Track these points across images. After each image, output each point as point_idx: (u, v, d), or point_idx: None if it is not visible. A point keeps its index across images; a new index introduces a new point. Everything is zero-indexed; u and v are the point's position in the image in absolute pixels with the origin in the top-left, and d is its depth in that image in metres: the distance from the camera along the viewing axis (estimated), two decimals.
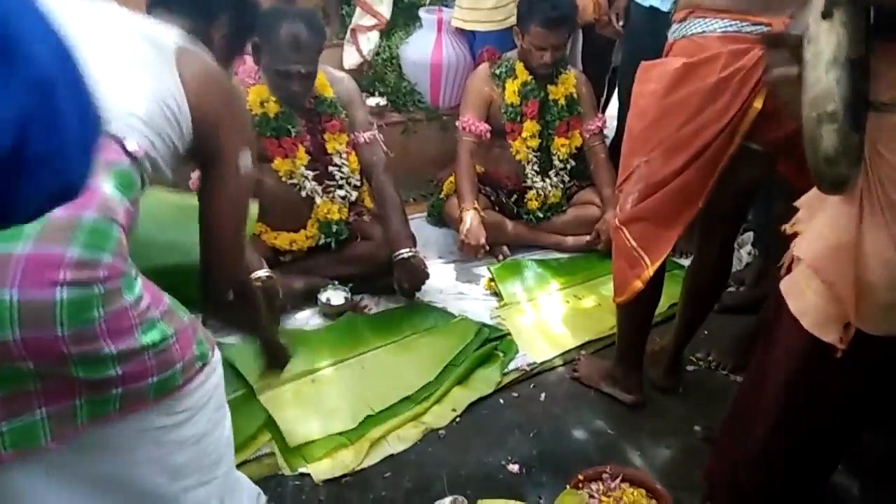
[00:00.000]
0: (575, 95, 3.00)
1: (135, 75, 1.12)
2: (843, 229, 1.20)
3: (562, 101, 2.97)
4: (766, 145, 1.74)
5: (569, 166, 3.06)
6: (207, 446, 1.23)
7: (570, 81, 2.99)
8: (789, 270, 1.36)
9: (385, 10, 3.53)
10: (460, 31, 3.45)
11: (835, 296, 1.22)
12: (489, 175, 3.08)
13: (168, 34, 1.20)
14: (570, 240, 3.06)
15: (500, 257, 2.99)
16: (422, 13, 3.53)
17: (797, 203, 1.37)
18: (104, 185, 1.03)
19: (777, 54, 1.45)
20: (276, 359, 2.00)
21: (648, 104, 1.81)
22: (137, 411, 1.09)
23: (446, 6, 3.60)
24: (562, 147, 3.00)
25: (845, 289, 1.20)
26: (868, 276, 1.18)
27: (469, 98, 2.99)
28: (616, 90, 3.42)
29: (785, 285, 1.35)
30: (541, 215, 3.04)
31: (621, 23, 3.14)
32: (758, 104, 1.64)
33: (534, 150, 2.98)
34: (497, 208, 3.04)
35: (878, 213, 1.17)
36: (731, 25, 1.66)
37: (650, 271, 1.89)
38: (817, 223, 1.27)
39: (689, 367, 2.40)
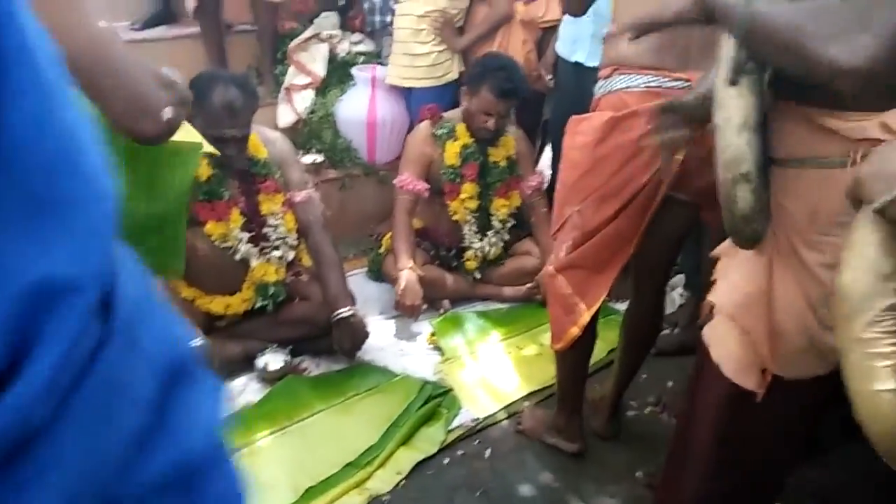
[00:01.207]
0: (515, 157, 3.03)
1: None
2: (755, 279, 1.25)
3: (502, 164, 2.99)
4: (690, 195, 1.80)
5: (508, 225, 3.08)
6: None
7: (511, 143, 3.01)
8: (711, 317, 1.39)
9: (319, 68, 3.56)
10: (396, 87, 3.48)
11: (751, 343, 1.26)
12: (428, 231, 3.08)
13: None
14: (508, 290, 3.07)
15: (442, 311, 2.97)
16: (354, 71, 3.55)
17: (714, 252, 1.41)
18: None
19: (666, 118, 1.53)
20: None
21: (579, 156, 1.85)
22: None
23: (381, 64, 3.64)
24: (502, 208, 3.03)
25: (760, 336, 1.24)
26: (781, 325, 1.21)
27: (408, 157, 2.96)
28: (548, 142, 3.50)
29: (707, 332, 1.38)
30: (478, 276, 3.05)
31: (550, 76, 3.23)
32: (679, 156, 1.70)
33: (472, 211, 2.99)
34: (437, 262, 3.03)
35: (785, 264, 1.21)
36: (653, 81, 1.73)
37: (587, 317, 1.92)
38: (733, 274, 1.31)
39: (630, 413, 2.41)
